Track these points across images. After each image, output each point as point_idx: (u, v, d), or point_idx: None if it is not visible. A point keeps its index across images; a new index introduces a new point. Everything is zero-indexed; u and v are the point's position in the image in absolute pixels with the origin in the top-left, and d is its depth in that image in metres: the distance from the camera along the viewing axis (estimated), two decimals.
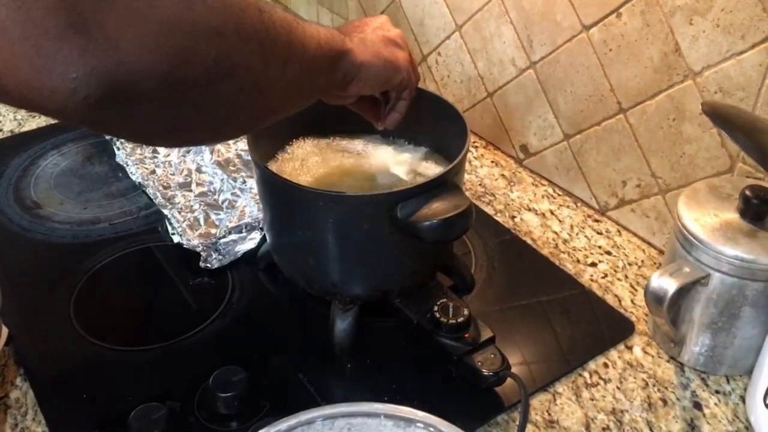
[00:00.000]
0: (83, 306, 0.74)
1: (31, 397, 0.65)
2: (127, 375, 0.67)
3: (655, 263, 0.79)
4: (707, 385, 0.66)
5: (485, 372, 0.63)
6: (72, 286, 0.77)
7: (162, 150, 0.94)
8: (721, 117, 0.57)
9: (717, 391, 0.65)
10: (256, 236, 0.80)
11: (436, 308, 0.66)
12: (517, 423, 0.61)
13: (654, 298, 0.61)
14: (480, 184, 0.94)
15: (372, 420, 0.53)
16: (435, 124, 0.74)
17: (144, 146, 0.95)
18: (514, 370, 0.63)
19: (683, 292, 0.63)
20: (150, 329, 0.73)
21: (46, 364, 0.69)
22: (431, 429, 0.51)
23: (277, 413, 0.51)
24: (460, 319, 0.65)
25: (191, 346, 0.70)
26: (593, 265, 0.80)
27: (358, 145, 0.79)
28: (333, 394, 0.66)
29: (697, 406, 0.64)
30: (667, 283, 0.61)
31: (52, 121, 1.07)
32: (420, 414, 0.52)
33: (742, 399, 0.64)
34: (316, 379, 0.66)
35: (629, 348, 0.70)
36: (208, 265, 0.78)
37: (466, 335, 0.66)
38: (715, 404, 0.64)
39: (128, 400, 0.62)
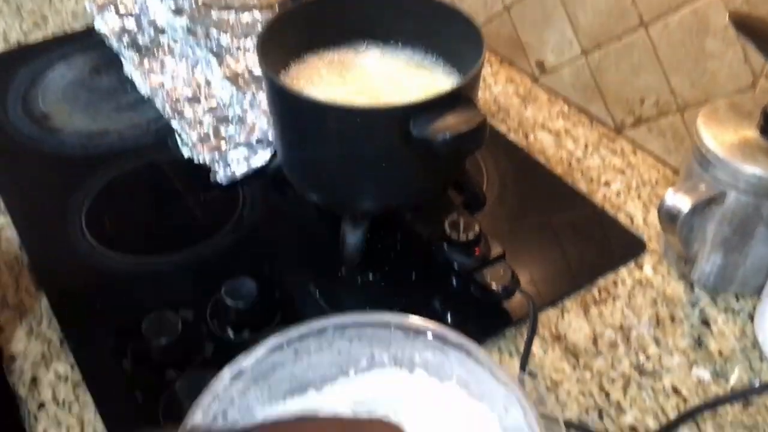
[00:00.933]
0: (95, 217, 0.74)
1: (45, 305, 0.66)
2: (139, 284, 0.68)
3: (669, 183, 0.78)
4: (716, 304, 0.66)
5: (495, 287, 0.63)
6: (83, 197, 0.77)
7: (169, 63, 0.92)
8: (749, 28, 0.55)
9: (726, 310, 0.65)
10: (267, 151, 0.80)
11: (446, 224, 0.66)
12: (525, 337, 0.62)
13: (667, 216, 0.61)
14: (494, 102, 0.92)
15: (382, 330, 0.53)
16: (450, 37, 0.72)
17: (152, 58, 0.93)
18: (523, 287, 0.64)
19: (697, 211, 0.62)
20: (161, 241, 0.74)
21: (60, 273, 0.69)
22: (441, 339, 0.52)
23: (288, 324, 0.52)
24: (471, 235, 0.65)
25: (202, 257, 0.71)
26: (606, 184, 0.79)
27: (371, 57, 0.77)
28: (343, 306, 0.66)
29: (705, 323, 0.64)
30: (681, 201, 0.60)
31: (58, 32, 1.05)
32: (430, 324, 0.52)
33: (751, 317, 0.64)
34: (326, 292, 0.67)
35: (639, 266, 0.70)
36: (219, 179, 0.77)
37: (476, 251, 0.66)
38: (723, 322, 0.64)
39: (141, 309, 0.63)
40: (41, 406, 0.59)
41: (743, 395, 0.57)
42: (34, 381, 0.60)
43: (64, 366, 0.61)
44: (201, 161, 0.78)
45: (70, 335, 0.63)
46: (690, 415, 0.56)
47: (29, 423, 0.58)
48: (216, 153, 0.78)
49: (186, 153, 0.79)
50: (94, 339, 0.62)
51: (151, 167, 0.81)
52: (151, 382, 0.59)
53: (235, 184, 0.78)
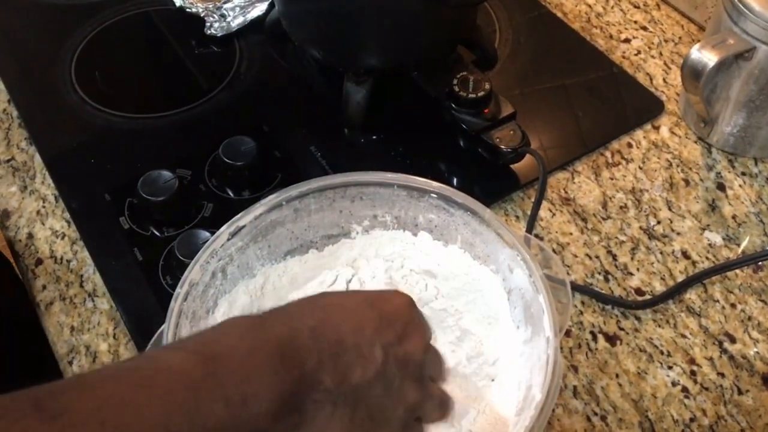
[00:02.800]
0: (84, 72, 0.71)
1: (38, 161, 0.64)
2: (134, 142, 0.66)
3: (693, 40, 0.73)
4: (733, 167, 0.63)
5: (503, 148, 0.61)
6: (71, 49, 0.73)
7: None
8: None
9: (743, 173, 0.63)
10: (265, 1, 0.75)
11: (455, 82, 0.62)
12: (533, 200, 0.60)
13: (691, 72, 0.57)
14: None
15: (385, 189, 0.51)
16: None
17: None
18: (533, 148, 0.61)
19: (723, 67, 0.58)
20: (155, 98, 0.71)
21: (51, 128, 0.67)
22: (446, 200, 0.50)
23: (288, 184, 0.50)
24: (481, 94, 0.62)
25: (198, 115, 0.68)
26: (627, 41, 0.74)
27: None
28: (344, 168, 0.63)
29: (721, 187, 0.62)
30: (707, 56, 0.56)
31: None
32: (435, 184, 0.50)
33: None
34: (327, 153, 0.65)
35: (656, 128, 0.66)
36: (213, 31, 0.73)
37: (486, 110, 0.62)
38: (740, 186, 0.62)
39: (137, 167, 0.61)
40: (39, 262, 0.58)
41: (754, 259, 0.55)
42: (30, 237, 0.59)
43: (60, 222, 0.60)
44: (194, 12, 0.73)
45: (65, 192, 0.61)
46: (698, 278, 0.55)
47: (27, 278, 0.57)
48: (210, 3, 0.73)
49: (178, 3, 0.74)
50: (89, 196, 0.61)
51: (141, 18, 0.76)
52: (150, 240, 0.58)
53: (230, 38, 0.74)
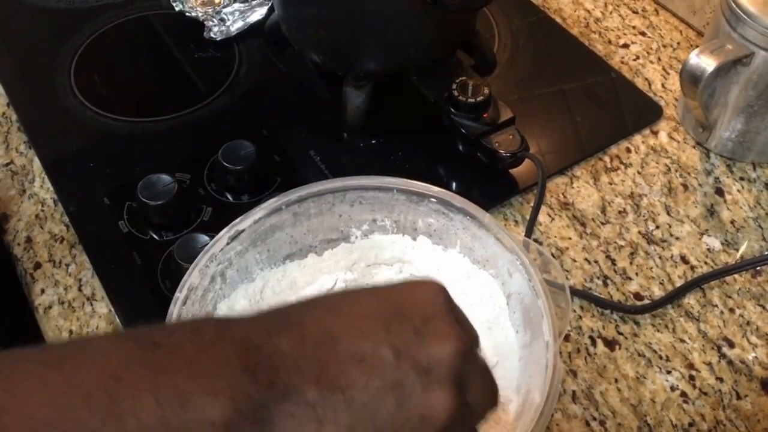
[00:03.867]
0: (84, 75, 0.71)
1: (37, 165, 0.64)
2: (133, 146, 0.65)
3: (692, 45, 0.74)
4: (732, 172, 0.63)
5: (502, 153, 0.61)
6: (71, 53, 0.73)
7: None
8: None
9: (741, 178, 0.63)
10: (264, 6, 0.75)
11: (454, 86, 0.63)
12: (532, 204, 0.60)
13: (690, 77, 0.57)
14: None
15: (384, 194, 0.51)
16: None
17: None
18: (532, 153, 0.61)
19: (722, 73, 0.58)
20: (154, 102, 0.70)
21: (50, 132, 0.67)
22: (445, 204, 0.50)
23: (287, 188, 0.50)
24: (480, 98, 0.62)
25: (198, 119, 0.68)
26: (625, 46, 0.74)
27: None
28: (344, 171, 0.64)
29: (719, 192, 0.62)
30: (706, 62, 0.57)
31: None
32: (434, 189, 0.50)
33: (767, 187, 0.62)
34: (327, 157, 0.65)
35: (654, 133, 0.67)
36: (213, 36, 0.73)
37: (485, 115, 0.63)
38: (738, 191, 0.62)
39: (136, 171, 0.61)
40: (38, 266, 0.58)
41: (752, 264, 0.55)
42: (29, 241, 0.59)
43: (59, 226, 0.60)
44: (194, 16, 0.73)
45: (64, 196, 0.61)
46: (696, 283, 0.55)
47: (26, 282, 0.57)
48: (210, 7, 0.74)
49: (178, 7, 0.74)
50: (88, 200, 0.61)
51: (141, 22, 0.76)
52: (149, 244, 0.58)
53: (230, 42, 0.74)
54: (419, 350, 0.29)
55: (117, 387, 0.24)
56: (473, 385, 0.30)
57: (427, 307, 0.30)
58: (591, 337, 0.54)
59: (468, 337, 0.31)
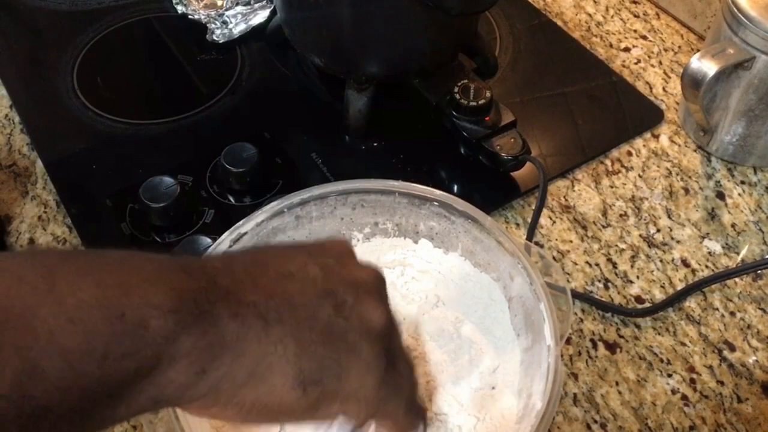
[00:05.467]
0: (86, 77, 0.71)
1: (40, 167, 0.64)
2: (136, 149, 0.66)
3: (693, 49, 0.74)
4: (733, 176, 0.64)
5: (504, 156, 0.61)
6: (73, 55, 0.73)
7: None
8: None
9: (742, 182, 0.63)
10: (266, 9, 0.75)
11: (456, 89, 0.63)
12: (533, 207, 0.60)
13: (691, 81, 0.57)
14: None
15: (386, 197, 0.51)
16: None
17: None
18: (533, 156, 0.61)
19: (723, 77, 0.59)
20: (156, 104, 0.71)
21: (53, 134, 0.67)
22: (447, 207, 0.50)
23: (289, 191, 0.50)
24: (481, 101, 0.62)
25: (200, 122, 0.68)
26: (626, 50, 0.74)
27: None
28: (346, 174, 0.64)
29: (720, 195, 0.62)
30: (707, 65, 0.57)
31: None
32: (436, 192, 0.50)
33: (767, 190, 0.62)
34: (329, 160, 0.65)
35: (656, 137, 0.67)
36: (215, 38, 0.73)
37: (487, 118, 0.63)
38: (739, 195, 0.62)
39: (138, 173, 0.61)
40: None
41: (753, 268, 0.56)
42: (32, 243, 0.59)
43: (61, 228, 0.60)
44: (196, 19, 0.74)
45: (66, 197, 0.61)
46: (697, 286, 0.55)
47: None
48: (212, 10, 0.74)
49: (180, 9, 0.75)
50: (91, 202, 0.61)
51: (143, 25, 0.77)
52: (151, 246, 0.58)
53: (232, 44, 0.74)
54: (343, 269, 0.31)
55: (53, 274, 0.24)
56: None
57: (341, 249, 0.34)
58: (592, 340, 0.54)
59: (380, 270, 0.34)
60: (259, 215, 0.49)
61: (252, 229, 0.48)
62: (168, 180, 0.59)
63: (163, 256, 0.28)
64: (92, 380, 0.23)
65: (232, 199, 0.61)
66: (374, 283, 0.32)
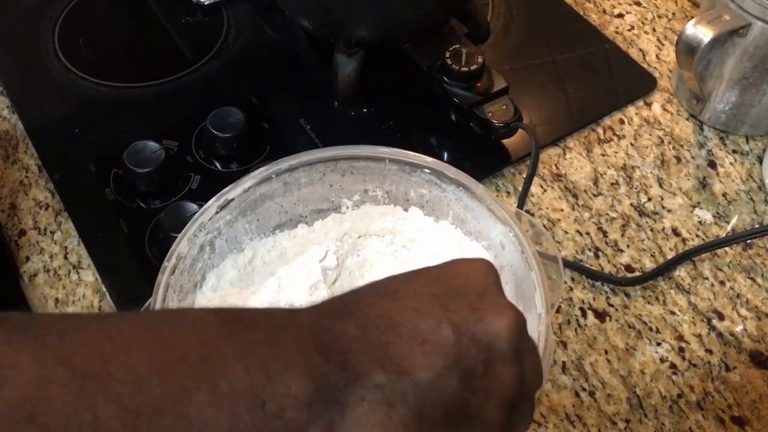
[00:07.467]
0: (68, 39, 0.69)
1: (20, 130, 0.62)
2: (119, 113, 0.64)
3: (687, 16, 0.73)
4: (725, 145, 0.63)
5: (496, 123, 0.60)
6: (55, 16, 0.71)
7: None
8: None
9: (734, 151, 0.63)
10: None
11: (447, 55, 0.62)
12: (524, 175, 0.60)
13: (686, 48, 0.57)
14: None
15: (376, 163, 0.51)
16: None
17: None
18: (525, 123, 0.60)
19: (718, 44, 0.58)
20: (140, 67, 0.69)
21: (34, 97, 0.65)
22: (438, 174, 0.49)
23: (277, 157, 0.49)
24: (473, 67, 0.61)
25: (185, 86, 0.66)
26: (620, 16, 0.73)
27: None
28: (335, 141, 0.62)
29: (712, 164, 0.62)
30: (702, 32, 0.56)
31: None
32: (427, 159, 0.49)
33: (759, 160, 0.62)
34: (317, 126, 0.64)
35: (648, 105, 0.66)
36: (201, 0, 0.71)
37: (478, 84, 0.62)
38: (731, 164, 0.62)
39: (122, 137, 0.60)
40: (22, 233, 0.57)
41: (743, 237, 0.55)
42: (13, 207, 0.58)
43: (43, 193, 0.59)
44: None
45: (48, 162, 0.60)
46: (687, 256, 0.55)
47: (10, 250, 0.56)
48: None
49: None
50: (73, 167, 0.59)
51: None
52: (136, 212, 0.57)
53: (218, 6, 0.72)
54: (477, 325, 0.29)
55: (209, 353, 0.25)
56: (526, 360, 0.31)
57: (479, 284, 0.31)
58: (581, 309, 0.54)
59: (520, 312, 0.31)
60: (247, 181, 0.48)
61: (239, 195, 0.47)
62: (153, 145, 0.57)
63: (304, 320, 0.28)
64: None
65: (218, 165, 0.60)
66: (509, 338, 0.29)
